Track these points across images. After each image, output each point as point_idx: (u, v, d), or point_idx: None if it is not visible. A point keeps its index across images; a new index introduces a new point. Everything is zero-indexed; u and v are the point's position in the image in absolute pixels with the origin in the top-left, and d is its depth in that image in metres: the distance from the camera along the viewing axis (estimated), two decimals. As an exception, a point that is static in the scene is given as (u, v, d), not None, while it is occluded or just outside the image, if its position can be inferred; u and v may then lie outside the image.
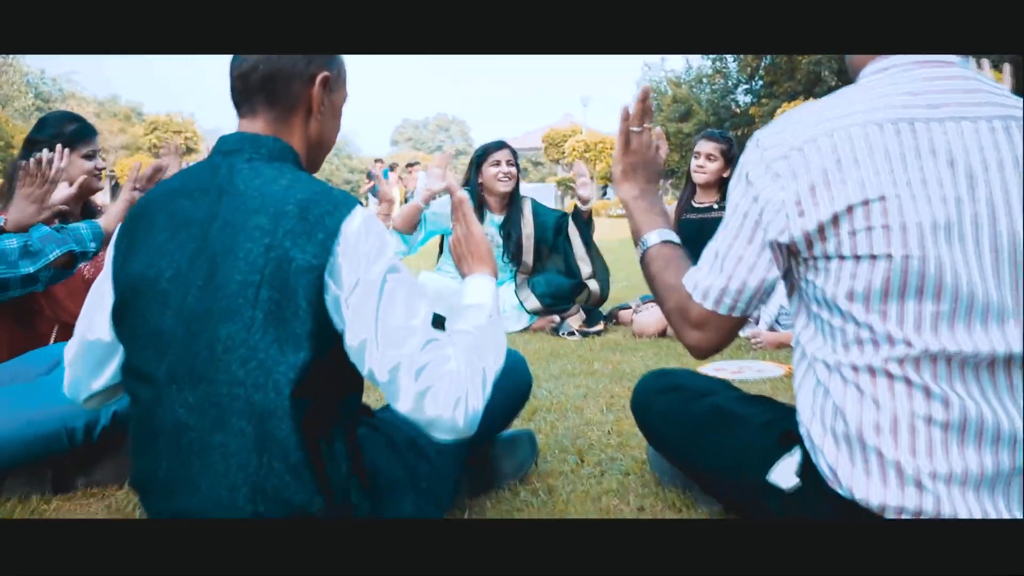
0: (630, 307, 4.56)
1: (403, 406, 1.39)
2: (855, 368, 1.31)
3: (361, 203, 1.47)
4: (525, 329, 4.27)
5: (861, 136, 1.26)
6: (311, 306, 1.37)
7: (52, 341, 2.56)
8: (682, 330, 1.49)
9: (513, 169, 4.42)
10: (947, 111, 1.27)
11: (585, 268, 4.39)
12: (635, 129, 1.64)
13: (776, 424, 1.53)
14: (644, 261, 1.59)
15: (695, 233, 4.25)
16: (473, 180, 4.46)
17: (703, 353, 1.49)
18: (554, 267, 4.46)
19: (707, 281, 1.42)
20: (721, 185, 4.31)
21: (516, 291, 4.33)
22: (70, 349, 1.59)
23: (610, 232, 16.04)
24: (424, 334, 1.39)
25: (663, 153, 1.69)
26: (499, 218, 4.51)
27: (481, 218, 4.45)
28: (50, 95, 47.65)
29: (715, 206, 4.29)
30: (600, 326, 4.19)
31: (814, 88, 28.06)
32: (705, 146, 4.29)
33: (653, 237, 1.59)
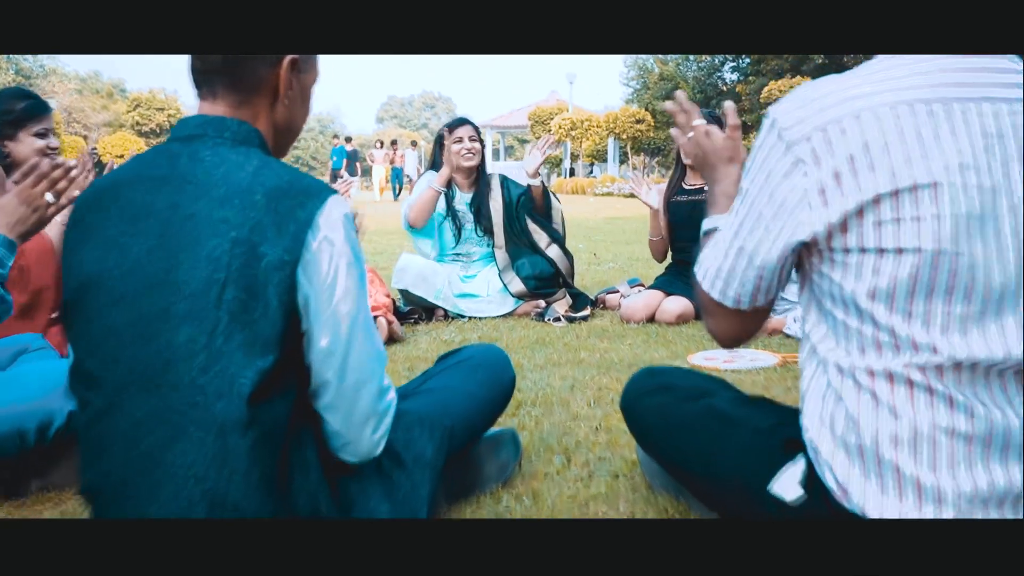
0: (617, 291, 4.45)
1: (346, 422, 1.37)
2: (871, 373, 1.20)
3: (336, 192, 1.35)
4: (509, 314, 4.15)
5: (891, 118, 1.14)
6: (282, 306, 1.27)
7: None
8: (703, 316, 1.45)
9: (476, 144, 4.31)
10: (978, 91, 1.15)
11: (541, 240, 4.29)
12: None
13: (778, 429, 1.42)
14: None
15: (686, 215, 4.13)
16: (438, 160, 4.33)
17: (723, 342, 1.44)
18: (532, 244, 4.32)
19: (712, 269, 1.36)
20: (712, 165, 4.19)
21: (500, 274, 4.20)
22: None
23: (595, 211, 15.91)
24: (383, 359, 1.41)
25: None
26: (468, 195, 4.39)
27: (452, 196, 4.34)
28: (31, 71, 47.12)
29: (706, 187, 4.17)
30: (587, 311, 4.07)
31: (801, 66, 27.95)
32: (694, 126, 4.16)
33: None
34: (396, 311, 3.80)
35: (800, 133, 1.19)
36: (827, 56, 25.86)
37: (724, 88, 34.54)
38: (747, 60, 31.92)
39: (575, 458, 2.01)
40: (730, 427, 1.49)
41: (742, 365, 2.95)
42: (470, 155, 4.27)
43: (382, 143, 24.89)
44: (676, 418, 1.59)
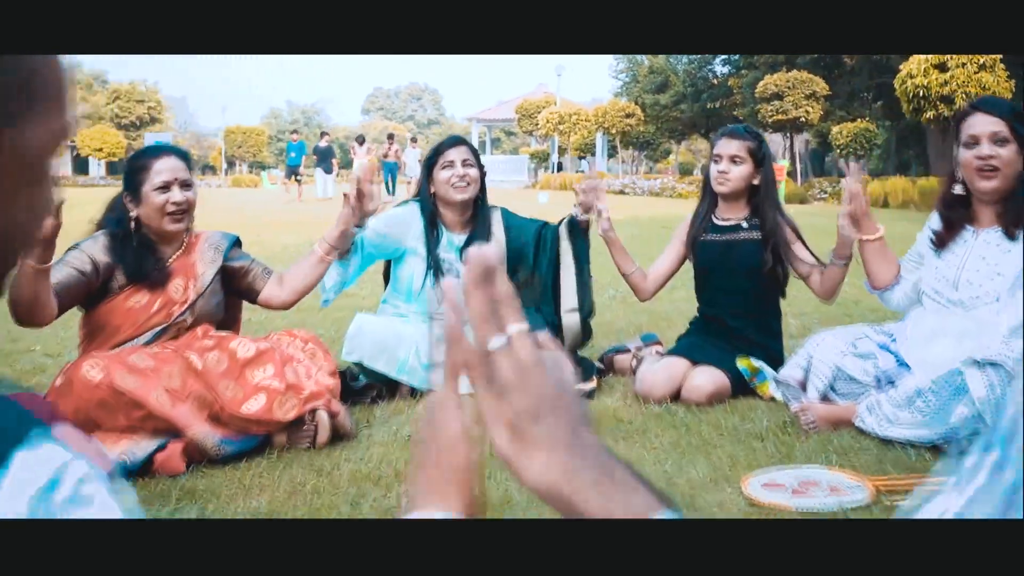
0: (629, 350, 3.57)
1: None
2: None
3: (51, 441, 0.49)
4: (494, 385, 3.25)
5: None
6: None
7: None
8: None
9: (472, 171, 3.31)
10: None
11: (568, 299, 3.39)
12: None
13: None
14: None
15: (719, 257, 3.27)
16: (424, 189, 3.39)
17: None
18: (530, 298, 3.45)
19: None
20: (751, 196, 3.31)
21: (483, 335, 3.32)
22: None
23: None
24: None
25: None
26: (459, 238, 3.38)
27: (437, 239, 3.36)
28: (6, 61, 46.11)
29: (744, 223, 3.28)
30: (592, 383, 3.20)
31: (796, 59, 27.10)
32: (728, 146, 3.25)
33: None
34: (347, 389, 2.93)
35: None
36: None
37: (716, 81, 33.73)
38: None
39: None
40: None
41: (816, 503, 2.09)
42: (463, 183, 3.29)
43: (363, 138, 24.03)
44: None
